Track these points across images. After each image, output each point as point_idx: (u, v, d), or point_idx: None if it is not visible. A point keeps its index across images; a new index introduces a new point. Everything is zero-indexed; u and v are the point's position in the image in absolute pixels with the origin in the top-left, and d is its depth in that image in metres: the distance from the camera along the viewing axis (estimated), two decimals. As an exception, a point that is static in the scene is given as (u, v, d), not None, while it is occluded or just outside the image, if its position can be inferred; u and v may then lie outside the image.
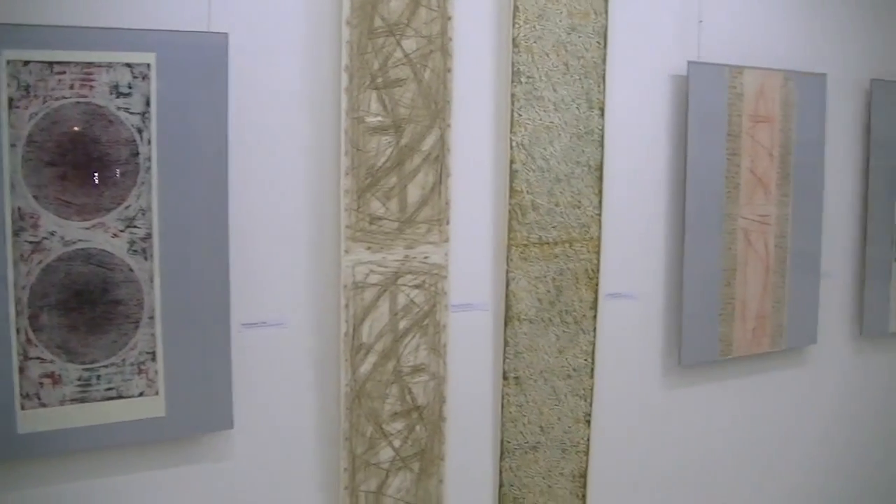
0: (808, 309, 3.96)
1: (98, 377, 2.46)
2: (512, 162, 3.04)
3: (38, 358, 2.39)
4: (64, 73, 2.35)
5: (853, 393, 4.35)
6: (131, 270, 2.47)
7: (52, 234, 2.37)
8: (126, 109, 2.43)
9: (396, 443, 2.92)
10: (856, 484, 4.43)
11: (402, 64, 2.82)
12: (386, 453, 2.91)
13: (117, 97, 2.41)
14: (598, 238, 3.23)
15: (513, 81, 3.04)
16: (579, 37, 3.18)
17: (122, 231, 2.45)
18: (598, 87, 3.22)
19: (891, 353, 4.48)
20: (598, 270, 3.24)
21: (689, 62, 3.49)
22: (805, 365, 4.10)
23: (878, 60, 4.26)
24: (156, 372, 2.52)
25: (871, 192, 4.21)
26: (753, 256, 3.71)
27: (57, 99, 2.35)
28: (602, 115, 3.22)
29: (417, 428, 2.95)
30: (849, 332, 4.29)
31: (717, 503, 3.89)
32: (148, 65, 2.44)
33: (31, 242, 2.35)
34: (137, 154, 2.45)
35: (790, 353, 4.02)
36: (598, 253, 3.23)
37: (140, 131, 2.44)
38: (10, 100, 2.31)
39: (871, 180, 4.21)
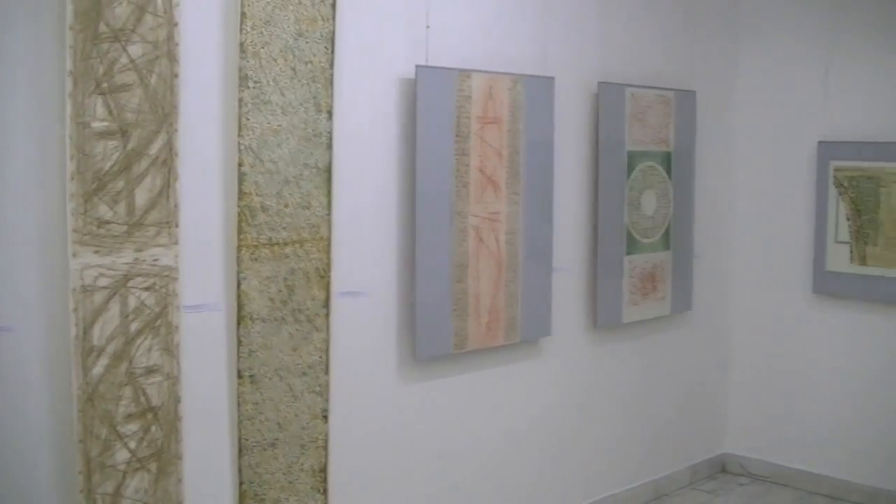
0: (541, 303, 4.71)
1: None
2: (240, 165, 3.57)
3: None
4: None
5: (588, 382, 5.18)
6: None
7: None
8: None
9: (132, 444, 3.36)
10: (590, 468, 5.25)
11: (128, 69, 3.28)
12: (122, 455, 3.34)
13: None
14: (329, 238, 3.81)
15: (240, 86, 3.56)
16: (307, 42, 3.74)
17: None
18: (326, 91, 3.80)
19: (624, 343, 5.34)
20: (329, 269, 3.82)
21: (418, 66, 4.13)
22: (540, 357, 4.86)
23: (605, 64, 5.08)
24: None
25: (600, 190, 5.03)
26: (485, 253, 4.41)
27: None
28: (330, 118, 3.80)
29: (153, 428, 3.41)
30: (583, 324, 5.10)
31: (458, 494, 4.55)
32: None
33: None
34: None
35: (525, 346, 4.76)
36: (328, 252, 3.81)
37: None
38: None
39: (601, 178, 5.03)
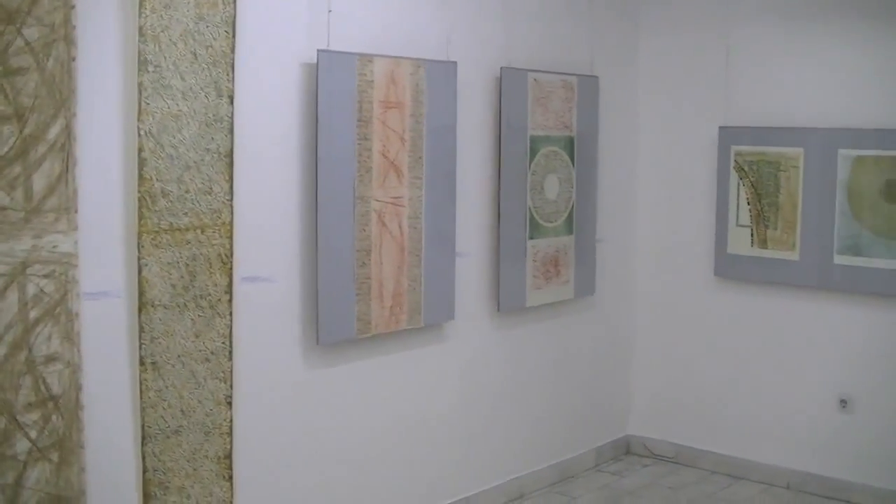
0: (444, 287, 4.89)
1: None
2: (140, 150, 3.65)
3: None
4: None
5: (492, 366, 5.37)
6: None
7: None
8: None
9: (33, 434, 3.42)
10: (495, 451, 5.46)
11: (24, 52, 3.33)
12: (22, 445, 3.40)
13: None
14: (231, 223, 3.92)
15: (140, 70, 3.65)
16: (207, 26, 3.84)
17: None
18: (227, 75, 3.90)
19: (527, 326, 5.55)
20: (231, 255, 3.93)
21: (319, 51, 4.25)
22: (444, 341, 5.04)
23: (508, 49, 5.26)
24: None
25: (503, 175, 5.21)
26: (388, 237, 4.56)
27: None
28: (231, 103, 3.91)
29: (54, 418, 3.48)
30: (486, 308, 5.29)
31: (364, 478, 4.71)
32: None
33: None
34: None
35: (429, 330, 4.92)
36: (230, 238, 3.93)
37: None
38: None
39: (504, 163, 5.21)
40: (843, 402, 5.65)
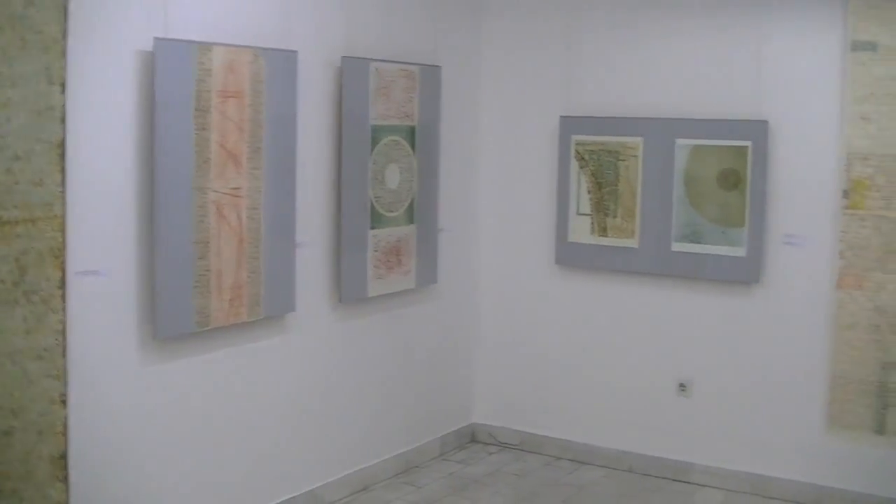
0: (285, 278, 5.00)
1: None
2: (-33, 141, 3.65)
3: None
4: None
5: (335, 357, 5.52)
6: None
7: None
8: None
9: None
10: (339, 443, 5.61)
11: None
12: None
13: None
14: (63, 216, 3.94)
15: (-35, 59, 3.64)
16: (37, 11, 3.82)
17: None
18: (59, 62, 3.91)
19: (370, 316, 5.71)
20: (64, 248, 3.95)
21: (156, 39, 4.30)
22: (286, 332, 5.15)
23: (348, 38, 5.39)
24: None
25: (344, 165, 5.35)
26: (227, 229, 4.65)
27: None
28: (64, 91, 3.92)
29: None
30: (328, 299, 5.42)
31: (205, 475, 4.78)
32: None
33: None
34: None
35: (270, 322, 5.03)
36: (63, 231, 3.94)
37: None
38: None
39: (344, 153, 5.35)
40: (682, 386, 6.01)
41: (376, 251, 5.61)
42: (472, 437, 6.70)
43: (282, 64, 4.90)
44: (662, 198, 5.91)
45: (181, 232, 4.45)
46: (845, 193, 5.49)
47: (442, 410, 6.43)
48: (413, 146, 5.81)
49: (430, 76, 5.91)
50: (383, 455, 5.93)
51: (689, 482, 5.99)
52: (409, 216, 5.84)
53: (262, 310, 4.90)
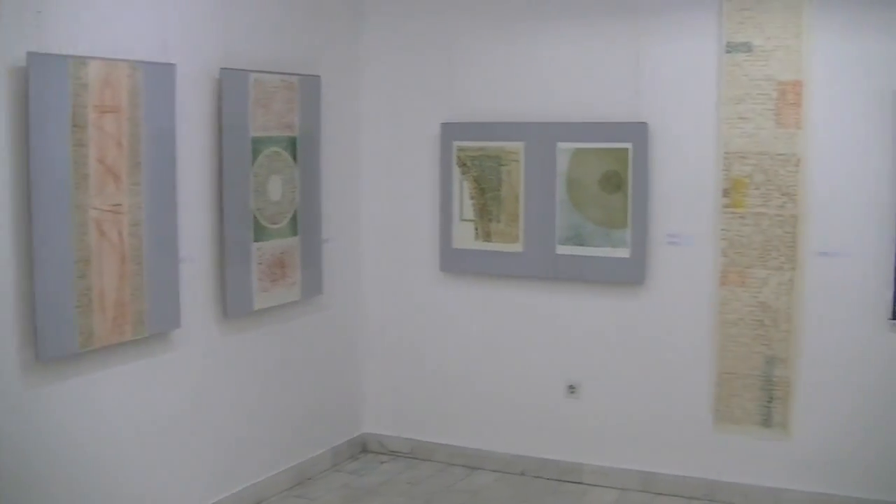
0: (169, 294, 5.00)
1: None
2: None
3: None
4: None
5: (223, 372, 5.52)
6: None
7: None
8: None
9: None
10: (229, 459, 5.62)
11: None
12: None
13: None
14: (-63, 238, 3.89)
15: None
16: None
17: None
18: (-72, 82, 3.87)
19: (256, 330, 5.73)
20: (-61, 271, 3.90)
21: (29, 53, 4.25)
22: (171, 349, 5.14)
23: (227, 49, 5.40)
24: None
25: (225, 177, 5.36)
26: (108, 246, 4.62)
27: None
28: (-67, 111, 3.87)
29: None
30: (213, 313, 5.42)
31: (94, 498, 4.74)
32: None
33: None
34: None
35: (154, 339, 5.01)
36: (-62, 253, 3.89)
37: None
38: None
39: (225, 166, 5.36)
40: (572, 388, 6.16)
41: (261, 264, 5.62)
42: (363, 447, 6.76)
43: (160, 77, 4.89)
44: (545, 201, 6.05)
45: (61, 251, 4.41)
46: (725, 192, 5.71)
47: (332, 421, 6.48)
48: (295, 157, 5.85)
49: (310, 86, 5.95)
50: (275, 469, 5.95)
51: (581, 483, 6.15)
52: (293, 228, 5.87)
53: (147, 327, 4.88)
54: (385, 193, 6.63)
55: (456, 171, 6.27)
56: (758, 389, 5.74)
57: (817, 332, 5.61)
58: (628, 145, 5.85)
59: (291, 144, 5.82)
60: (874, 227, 5.46)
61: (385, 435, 6.73)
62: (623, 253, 5.89)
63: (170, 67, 4.96)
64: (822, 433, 5.63)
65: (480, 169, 6.21)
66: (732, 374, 5.77)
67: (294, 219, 5.87)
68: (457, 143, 6.27)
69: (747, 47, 5.62)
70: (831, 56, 5.49)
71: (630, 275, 5.91)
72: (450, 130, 6.29)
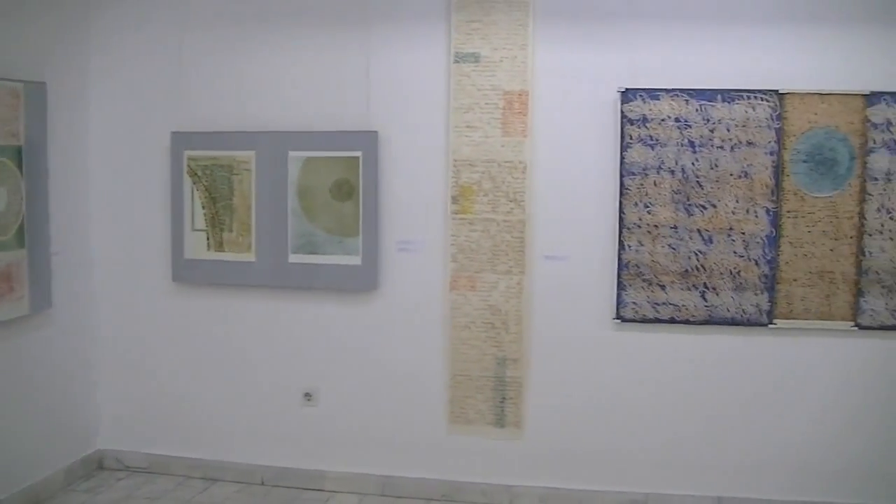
0: None
1: None
2: None
3: None
4: None
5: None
6: None
7: None
8: None
9: None
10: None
11: None
12: None
13: None
14: None
15: None
16: None
17: None
18: None
19: None
20: None
21: None
22: None
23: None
24: None
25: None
26: None
27: None
28: None
29: None
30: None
31: None
32: None
33: None
34: None
35: None
36: None
37: None
38: None
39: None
40: (308, 395, 6.27)
41: (-16, 279, 5.48)
42: (99, 464, 6.66)
43: None
44: (277, 211, 6.14)
45: None
46: (454, 199, 5.95)
47: (66, 439, 6.36)
48: (20, 167, 5.69)
49: (35, 93, 5.80)
50: (8, 491, 5.79)
51: (322, 490, 6.29)
52: (20, 240, 5.73)
53: None
54: (116, 204, 6.53)
55: (187, 181, 6.25)
56: (490, 390, 6.00)
57: (546, 333, 5.97)
58: (359, 153, 6.00)
59: (17, 154, 5.67)
60: (598, 231, 5.83)
61: (121, 450, 6.66)
62: (355, 260, 6.05)
63: None
64: (553, 429, 6.00)
65: (212, 178, 6.22)
66: (465, 377, 6.02)
67: (20, 230, 5.73)
68: (188, 153, 6.26)
69: (475, 58, 5.85)
70: (555, 67, 5.85)
71: (362, 282, 6.07)
72: (180, 140, 6.27)
